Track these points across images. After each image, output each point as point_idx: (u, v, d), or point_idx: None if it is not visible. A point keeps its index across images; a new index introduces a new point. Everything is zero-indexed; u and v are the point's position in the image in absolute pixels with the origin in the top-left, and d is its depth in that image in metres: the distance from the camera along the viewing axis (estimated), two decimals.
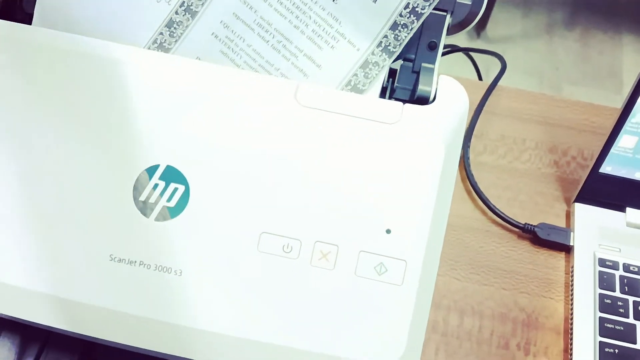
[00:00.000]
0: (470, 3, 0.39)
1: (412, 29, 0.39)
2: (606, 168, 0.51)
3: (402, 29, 0.39)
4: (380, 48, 0.40)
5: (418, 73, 0.40)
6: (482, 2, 0.40)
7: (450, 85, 0.39)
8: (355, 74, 0.40)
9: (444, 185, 0.37)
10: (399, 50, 0.40)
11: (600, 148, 0.50)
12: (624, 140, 0.49)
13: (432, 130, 0.37)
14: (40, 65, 0.39)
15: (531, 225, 0.52)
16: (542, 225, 0.52)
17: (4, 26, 0.39)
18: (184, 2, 0.41)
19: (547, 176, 0.56)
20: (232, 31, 0.41)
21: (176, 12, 0.41)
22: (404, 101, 0.39)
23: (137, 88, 0.38)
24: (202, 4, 0.41)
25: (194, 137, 0.37)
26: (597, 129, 0.59)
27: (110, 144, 0.38)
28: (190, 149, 0.37)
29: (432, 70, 0.40)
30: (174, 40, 0.41)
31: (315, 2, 0.40)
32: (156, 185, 0.37)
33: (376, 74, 0.40)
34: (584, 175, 0.52)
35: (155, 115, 0.38)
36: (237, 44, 0.41)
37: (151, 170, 0.37)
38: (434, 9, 0.40)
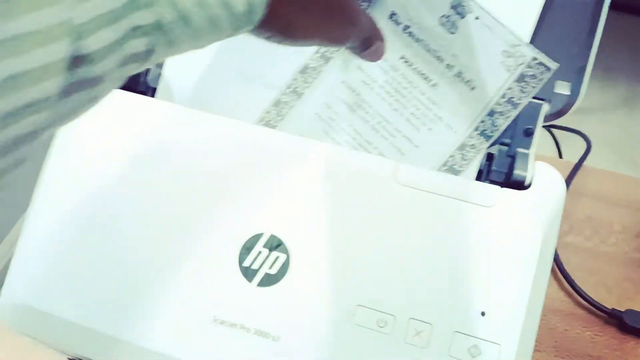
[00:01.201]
0: (568, 93, 0.41)
1: (509, 117, 0.40)
2: None
3: (499, 116, 0.41)
4: (478, 132, 0.41)
5: (513, 157, 0.41)
6: (579, 93, 0.41)
7: (546, 171, 0.40)
8: (452, 155, 0.42)
9: (540, 271, 0.38)
10: (496, 135, 0.41)
11: None
12: None
13: (529, 215, 0.38)
14: (160, 134, 0.42)
15: (619, 310, 0.51)
16: (630, 312, 0.51)
17: (131, 98, 0.43)
18: (291, 84, 0.43)
19: (635, 261, 0.55)
20: (335, 111, 0.44)
21: (284, 94, 0.44)
22: (501, 184, 0.40)
23: (246, 160, 0.41)
24: (308, 87, 0.43)
25: (297, 209, 0.40)
26: None
27: (220, 211, 0.40)
28: (292, 220, 0.39)
29: (527, 155, 0.41)
30: (280, 119, 0.44)
31: (416, 87, 0.42)
32: (260, 253, 0.39)
33: (473, 156, 0.41)
34: None
35: (262, 187, 0.40)
36: (338, 123, 0.44)
37: (256, 238, 0.39)
38: (533, 97, 0.41)
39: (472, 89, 0.41)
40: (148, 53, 0.24)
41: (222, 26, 0.26)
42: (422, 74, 0.42)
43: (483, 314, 0.37)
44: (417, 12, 0.41)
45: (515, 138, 0.42)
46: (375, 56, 0.37)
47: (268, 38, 0.29)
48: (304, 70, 0.44)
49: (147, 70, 0.46)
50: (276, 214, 0.40)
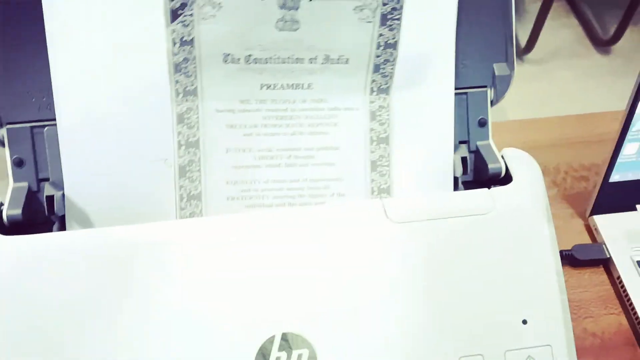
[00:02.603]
0: (508, 73, 0.40)
1: (394, 60, 0.38)
2: (615, 177, 0.54)
3: (384, 65, 0.38)
4: (375, 93, 0.39)
5: (477, 152, 0.40)
6: (514, 67, 0.40)
7: (517, 156, 0.39)
8: (372, 129, 0.39)
9: (556, 256, 0.37)
10: (391, 83, 0.39)
11: (604, 159, 0.52)
12: (628, 149, 0.52)
13: (528, 208, 0.37)
14: (126, 262, 0.33)
15: (567, 251, 0.53)
16: (577, 247, 0.54)
17: (51, 239, 0.33)
18: (181, 168, 0.37)
19: (553, 198, 0.58)
20: (242, 181, 0.38)
21: (181, 187, 0.37)
22: (479, 184, 0.38)
23: (215, 259, 0.34)
24: (199, 176, 0.37)
25: (300, 291, 0.34)
26: (578, 140, 0.62)
27: (217, 324, 0.33)
28: (301, 306, 0.34)
29: (489, 146, 0.40)
30: (199, 210, 0.37)
31: (294, 101, 0.38)
32: (278, 359, 0.33)
33: (387, 116, 0.39)
34: (590, 187, 0.54)
35: (251, 282, 0.34)
36: (255, 188, 0.38)
37: (268, 344, 0.33)
38: (475, 86, 0.40)
39: (347, 61, 0.38)
40: None
41: None
42: (291, 85, 0.38)
43: (525, 322, 0.35)
44: (249, 36, 0.37)
45: (471, 132, 0.40)
46: None
47: None
48: (183, 171, 0.38)
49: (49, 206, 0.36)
50: (279, 307, 0.34)
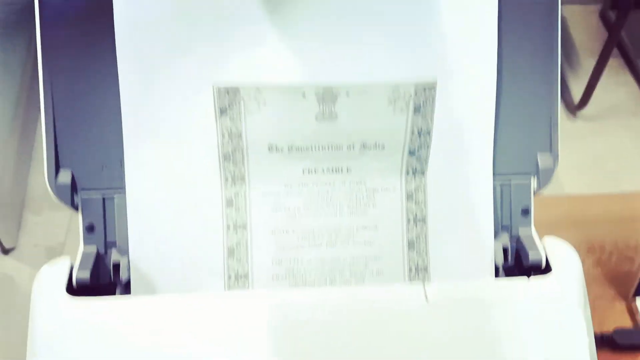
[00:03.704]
0: (551, 167, 0.41)
1: (428, 144, 0.40)
2: None
3: (420, 149, 0.40)
4: (410, 175, 0.41)
5: (518, 240, 0.41)
6: (558, 156, 0.41)
7: (558, 247, 0.40)
8: (409, 209, 0.41)
9: (591, 350, 0.38)
10: (427, 166, 0.41)
11: None
12: None
13: (566, 300, 0.38)
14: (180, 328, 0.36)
15: (607, 333, 0.53)
16: (618, 331, 0.53)
17: (115, 302, 0.36)
18: (229, 249, 0.40)
19: (596, 277, 0.58)
20: (287, 260, 0.41)
21: (229, 267, 0.40)
22: (520, 273, 0.39)
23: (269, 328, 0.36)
24: (246, 251, 0.40)
25: None
26: (626, 218, 0.62)
27: None
28: None
29: (531, 236, 0.41)
30: (246, 288, 0.40)
31: (333, 183, 0.41)
32: None
33: (424, 196, 0.41)
34: (634, 268, 0.54)
35: (292, 356, 0.36)
36: (298, 268, 0.41)
37: None
38: (518, 173, 0.41)
39: (383, 147, 0.40)
40: None
41: None
42: (331, 169, 0.41)
43: None
44: (291, 128, 0.39)
45: (513, 219, 0.42)
46: None
47: None
48: (231, 252, 0.40)
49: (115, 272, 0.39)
50: None
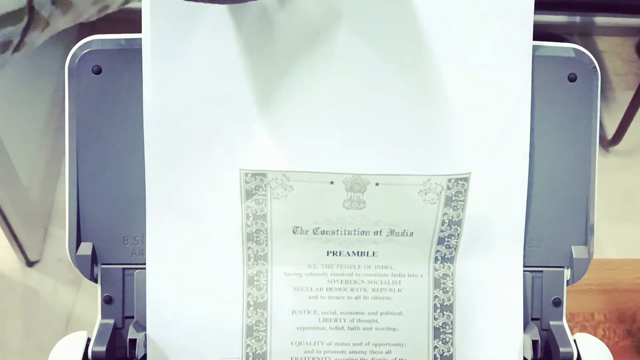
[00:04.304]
0: (587, 257, 0.39)
1: (458, 234, 0.39)
2: None
3: (449, 239, 0.39)
4: (439, 262, 0.40)
5: (549, 332, 0.40)
6: (593, 250, 0.40)
7: (589, 343, 0.39)
8: (436, 296, 0.40)
9: None
10: (456, 254, 0.39)
11: None
12: None
13: None
14: None
15: None
16: None
17: None
18: (248, 328, 0.39)
19: (628, 349, 0.56)
20: (307, 342, 0.40)
21: (247, 346, 0.39)
22: None
23: None
24: (264, 331, 0.39)
25: None
26: None
27: None
28: None
29: (563, 327, 0.39)
30: None
31: (358, 267, 0.40)
32: None
33: (452, 284, 0.40)
34: None
35: None
36: (318, 350, 0.40)
37: None
38: (551, 265, 0.40)
39: (411, 234, 0.39)
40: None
41: None
42: (356, 252, 0.40)
43: None
44: (317, 213, 0.38)
45: (544, 310, 0.40)
46: None
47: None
48: (250, 330, 0.40)
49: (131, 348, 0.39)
50: None
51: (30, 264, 1.28)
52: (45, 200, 1.32)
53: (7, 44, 0.21)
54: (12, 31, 0.21)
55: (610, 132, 1.46)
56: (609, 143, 1.46)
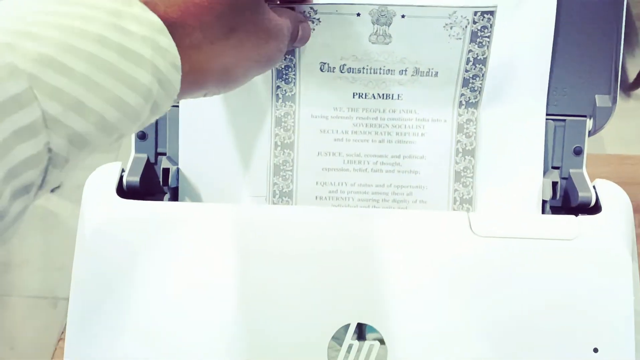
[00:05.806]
0: (609, 105, 0.40)
1: (483, 75, 0.39)
2: None
3: (474, 80, 0.40)
4: (463, 107, 0.40)
5: (568, 179, 0.40)
6: (616, 101, 0.40)
7: (609, 188, 0.39)
8: (458, 140, 0.41)
9: (636, 294, 0.37)
10: (480, 98, 0.40)
11: None
12: None
13: (614, 240, 0.37)
14: (220, 237, 0.37)
15: None
16: None
17: (163, 207, 0.37)
18: (275, 167, 0.40)
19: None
20: (331, 182, 0.41)
21: (274, 184, 0.41)
22: (567, 211, 0.39)
23: (305, 245, 0.37)
24: (291, 170, 0.40)
25: (380, 287, 0.36)
26: None
27: (295, 308, 0.35)
28: (377, 302, 0.36)
29: (583, 174, 0.40)
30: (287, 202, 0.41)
31: (383, 111, 0.40)
32: (351, 346, 0.35)
33: (475, 129, 0.40)
34: None
35: (334, 270, 0.36)
36: (342, 190, 0.41)
37: (342, 331, 0.35)
38: (574, 114, 0.40)
39: (436, 74, 0.40)
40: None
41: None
42: (381, 95, 0.40)
43: (596, 350, 0.36)
44: (344, 48, 0.39)
45: (565, 159, 0.41)
46: (305, 39, 0.36)
47: (205, 95, 0.29)
48: (277, 170, 0.41)
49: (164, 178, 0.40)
50: (356, 300, 0.36)
51: (51, 190, 1.31)
52: None
53: (30, 186, 0.22)
54: (33, 174, 0.21)
55: (632, 77, 1.44)
56: (630, 87, 1.45)
